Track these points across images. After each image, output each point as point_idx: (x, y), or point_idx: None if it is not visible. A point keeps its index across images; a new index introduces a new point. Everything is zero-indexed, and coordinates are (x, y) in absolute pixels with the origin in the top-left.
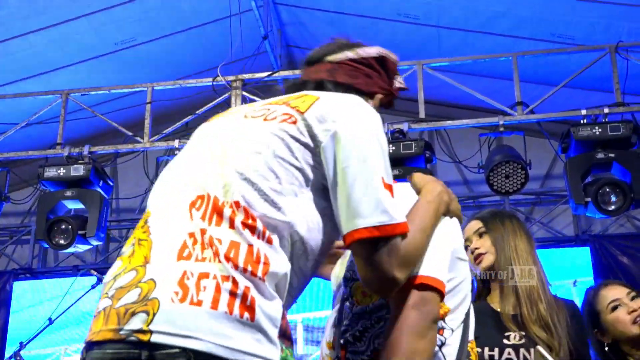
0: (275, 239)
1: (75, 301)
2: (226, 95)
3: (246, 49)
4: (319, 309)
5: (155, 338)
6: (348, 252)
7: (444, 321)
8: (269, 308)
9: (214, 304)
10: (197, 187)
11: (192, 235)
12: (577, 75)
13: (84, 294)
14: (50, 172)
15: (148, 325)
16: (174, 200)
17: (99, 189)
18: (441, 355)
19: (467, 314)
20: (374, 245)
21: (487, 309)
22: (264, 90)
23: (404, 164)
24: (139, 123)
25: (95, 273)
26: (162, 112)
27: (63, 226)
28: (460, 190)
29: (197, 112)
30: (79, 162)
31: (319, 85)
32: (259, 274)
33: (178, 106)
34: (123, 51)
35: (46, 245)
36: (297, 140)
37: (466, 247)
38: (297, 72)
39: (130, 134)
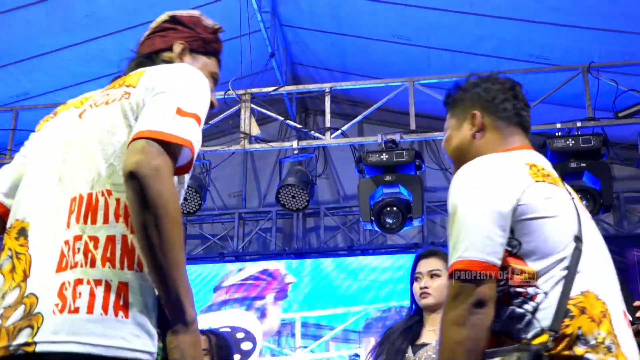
0: None
1: None
2: (236, 107)
3: (255, 65)
4: (314, 309)
5: (39, 348)
6: None
7: (536, 286)
8: (144, 301)
9: (89, 309)
10: (68, 190)
11: (67, 243)
12: (552, 92)
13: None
14: None
15: (32, 338)
16: (49, 209)
17: None
18: (535, 321)
19: (570, 268)
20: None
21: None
22: (271, 103)
23: (396, 171)
24: None
25: None
26: None
27: None
28: (447, 195)
29: (210, 122)
30: None
31: (145, 59)
32: (135, 266)
33: None
34: None
35: None
36: (134, 111)
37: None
38: (300, 86)
39: None
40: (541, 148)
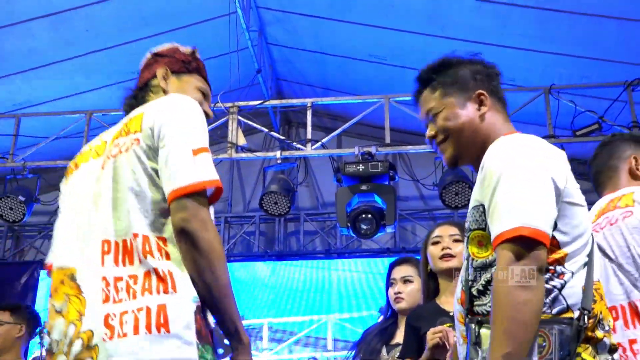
0: (170, 250)
1: None
2: (224, 118)
3: (242, 80)
4: (280, 316)
5: None
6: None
7: (564, 266)
8: (182, 317)
9: (135, 331)
10: (103, 237)
11: (107, 281)
12: (516, 111)
13: None
14: None
15: None
16: (90, 255)
17: None
18: (561, 297)
19: (590, 255)
20: (190, 196)
21: (439, 309)
22: (256, 115)
23: (371, 181)
24: None
25: None
26: None
27: None
28: (418, 204)
29: None
30: None
31: (138, 90)
32: (169, 289)
33: None
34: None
35: None
36: (147, 154)
37: (437, 243)
38: (284, 101)
39: None
40: None
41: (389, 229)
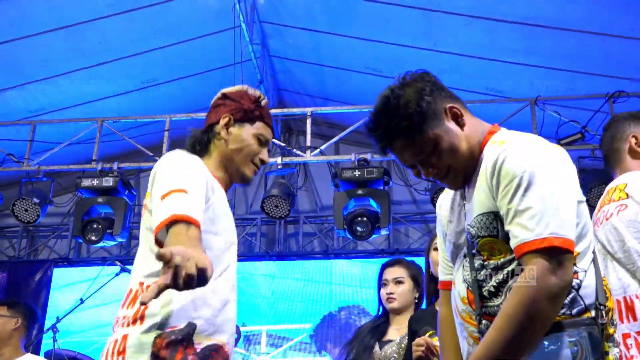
0: None
1: (102, 285)
2: None
3: None
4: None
5: None
6: (461, 214)
7: (576, 265)
8: (137, 344)
9: (103, 358)
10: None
11: (117, 318)
12: (504, 120)
13: (109, 280)
14: (86, 183)
15: None
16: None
17: (124, 197)
18: (579, 298)
19: (594, 252)
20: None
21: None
22: None
23: (367, 186)
24: (158, 146)
25: (118, 263)
26: (178, 137)
27: (95, 225)
28: (411, 208)
29: None
30: (109, 175)
31: (201, 133)
32: (137, 321)
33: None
34: (147, 89)
35: (81, 240)
36: (150, 207)
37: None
38: (285, 110)
39: (151, 154)
40: None
41: (384, 232)
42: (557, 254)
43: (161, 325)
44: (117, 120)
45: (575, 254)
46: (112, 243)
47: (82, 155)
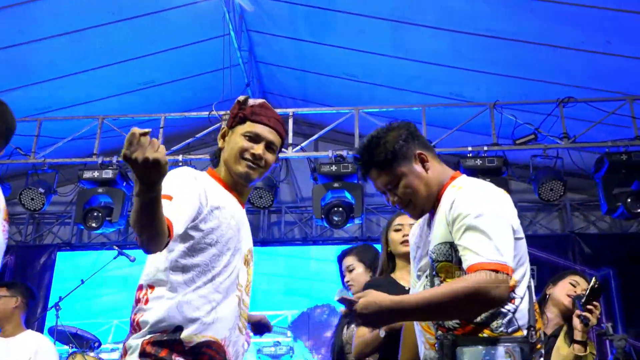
0: (153, 293)
1: (101, 268)
2: (218, 124)
3: (234, 92)
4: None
5: None
6: (426, 241)
7: (514, 292)
8: (132, 344)
9: None
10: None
11: None
12: (466, 122)
13: (107, 263)
14: (87, 174)
15: None
16: None
17: (123, 188)
18: (514, 319)
19: (529, 280)
20: None
21: (394, 282)
22: None
23: (342, 180)
24: None
25: (116, 248)
26: (172, 134)
27: (95, 213)
28: (382, 200)
29: (196, 135)
30: (109, 168)
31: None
32: (135, 328)
33: (183, 131)
34: (144, 89)
35: (82, 227)
36: None
37: (399, 230)
38: None
39: None
40: (456, 166)
41: (357, 221)
42: (500, 273)
43: (151, 332)
44: (116, 118)
45: (513, 281)
46: (111, 229)
47: (84, 150)
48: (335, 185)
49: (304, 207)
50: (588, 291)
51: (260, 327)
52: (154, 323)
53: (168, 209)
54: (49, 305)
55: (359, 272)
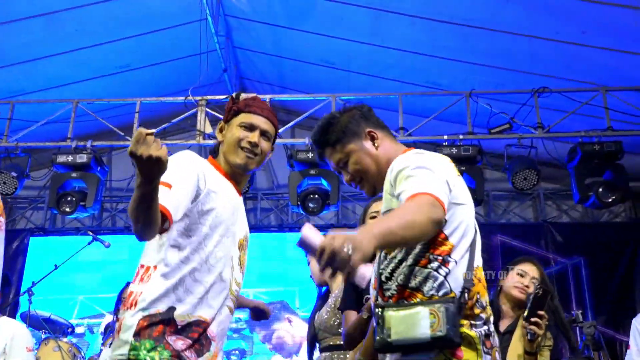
0: (150, 275)
1: (74, 253)
2: (194, 110)
3: (211, 78)
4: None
5: None
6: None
7: (450, 255)
8: (127, 324)
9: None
10: None
11: None
12: (442, 111)
13: (81, 248)
14: (61, 159)
15: None
16: None
17: (97, 173)
18: (446, 283)
19: (472, 245)
20: None
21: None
22: (222, 108)
23: (319, 167)
24: (129, 126)
25: (90, 233)
26: (147, 118)
27: (69, 198)
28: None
29: (172, 120)
30: (83, 152)
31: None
32: (131, 306)
33: (159, 115)
34: (120, 73)
35: (56, 212)
36: None
37: (375, 217)
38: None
39: (122, 134)
40: None
41: (333, 208)
42: (433, 199)
43: (145, 309)
44: (91, 102)
45: (450, 245)
46: (85, 214)
47: (58, 134)
48: (312, 172)
49: (280, 194)
50: (530, 302)
51: (258, 313)
52: (150, 302)
53: (167, 197)
54: (22, 291)
55: (314, 264)
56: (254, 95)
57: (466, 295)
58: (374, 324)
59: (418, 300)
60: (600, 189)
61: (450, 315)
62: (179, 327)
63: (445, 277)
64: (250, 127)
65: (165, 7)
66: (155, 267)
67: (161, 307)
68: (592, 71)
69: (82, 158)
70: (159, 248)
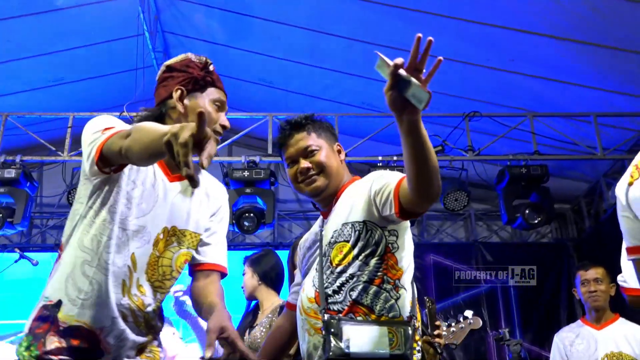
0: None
1: (1, 271)
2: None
3: (147, 93)
4: None
5: None
6: (320, 226)
7: (400, 281)
8: (36, 307)
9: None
10: None
11: None
12: (378, 132)
13: (8, 266)
14: None
15: None
16: None
17: (26, 189)
18: (396, 306)
19: (412, 284)
20: None
21: None
22: None
23: (254, 185)
24: (61, 141)
25: (18, 251)
26: (80, 134)
27: None
28: (294, 206)
29: None
30: (12, 167)
31: (156, 108)
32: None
33: None
34: (53, 87)
35: None
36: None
37: None
38: None
39: (53, 149)
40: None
41: (268, 227)
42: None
43: (46, 297)
44: (21, 115)
45: (401, 271)
46: (12, 232)
47: None
48: (247, 190)
49: None
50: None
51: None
52: (45, 294)
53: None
54: None
55: (248, 277)
56: (213, 64)
57: (415, 321)
58: (322, 335)
59: (370, 319)
60: (527, 211)
61: (408, 337)
62: (61, 328)
63: (395, 300)
64: (222, 106)
65: (102, 21)
66: (64, 250)
67: (54, 298)
68: (520, 97)
69: (11, 173)
70: (70, 226)
